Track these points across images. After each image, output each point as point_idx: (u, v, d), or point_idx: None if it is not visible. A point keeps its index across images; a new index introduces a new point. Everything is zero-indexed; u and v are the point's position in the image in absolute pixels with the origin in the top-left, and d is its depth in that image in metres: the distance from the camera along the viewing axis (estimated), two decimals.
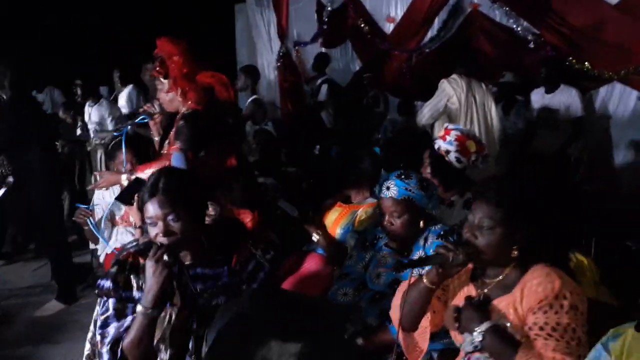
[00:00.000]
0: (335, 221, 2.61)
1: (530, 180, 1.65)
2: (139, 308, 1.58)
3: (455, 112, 3.81)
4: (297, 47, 7.19)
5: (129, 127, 2.74)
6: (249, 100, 4.89)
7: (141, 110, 2.77)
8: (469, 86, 3.82)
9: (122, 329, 1.63)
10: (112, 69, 5.68)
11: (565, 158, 4.20)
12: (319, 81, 5.63)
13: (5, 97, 3.48)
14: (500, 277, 1.48)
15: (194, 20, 8.12)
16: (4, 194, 4.02)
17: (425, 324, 1.58)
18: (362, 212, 2.54)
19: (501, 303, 1.43)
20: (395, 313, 1.61)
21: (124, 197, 2.43)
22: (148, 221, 1.63)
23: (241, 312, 1.55)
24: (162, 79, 2.49)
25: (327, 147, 4.26)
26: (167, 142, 2.61)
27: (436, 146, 2.54)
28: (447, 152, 2.49)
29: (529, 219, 1.43)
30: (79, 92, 5.16)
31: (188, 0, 8.50)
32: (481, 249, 1.44)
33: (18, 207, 3.84)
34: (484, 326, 1.38)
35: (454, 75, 3.89)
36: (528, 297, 1.38)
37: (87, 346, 1.85)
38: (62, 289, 3.62)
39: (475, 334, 1.38)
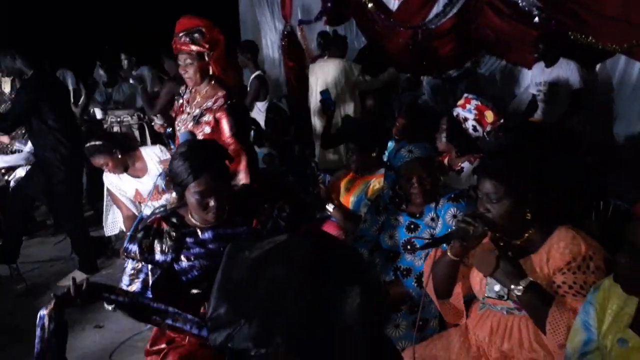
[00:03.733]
0: (350, 191, 2.72)
1: (531, 148, 1.75)
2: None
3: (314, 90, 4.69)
4: (301, 26, 7.22)
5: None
6: (252, 76, 4.94)
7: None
8: (322, 68, 4.73)
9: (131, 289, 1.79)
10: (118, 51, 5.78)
11: (565, 129, 4.28)
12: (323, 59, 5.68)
13: (27, 76, 3.58)
14: (522, 240, 1.60)
15: None
16: (26, 174, 4.12)
17: (458, 290, 1.71)
18: (375, 182, 2.65)
19: (526, 262, 1.55)
20: (428, 283, 1.73)
21: None
22: (197, 196, 1.74)
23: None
24: (205, 52, 2.60)
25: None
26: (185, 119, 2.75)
27: (455, 113, 2.64)
28: (465, 119, 2.59)
29: (533, 185, 1.54)
30: (101, 73, 5.24)
31: None
32: (495, 219, 1.55)
33: (36, 186, 3.93)
34: (525, 281, 1.48)
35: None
36: (555, 259, 1.51)
37: None
38: (83, 261, 3.77)
39: (517, 287, 1.48)
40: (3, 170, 4.47)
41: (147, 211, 3.20)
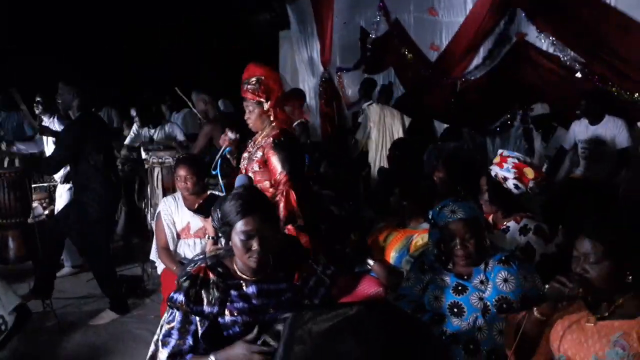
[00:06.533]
0: (390, 245, 2.65)
1: (621, 211, 1.71)
2: (211, 357, 1.69)
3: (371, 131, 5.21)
4: (339, 73, 7.36)
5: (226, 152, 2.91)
6: (295, 123, 5.08)
7: (222, 141, 2.91)
8: (382, 111, 5.32)
9: (183, 344, 1.72)
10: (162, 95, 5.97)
11: (613, 188, 4.16)
12: (365, 105, 5.75)
13: (73, 117, 3.70)
14: (617, 304, 1.53)
15: (238, 46, 8.42)
16: (61, 210, 4.17)
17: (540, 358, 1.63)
18: (418, 238, 2.57)
19: (623, 326, 1.48)
20: (509, 343, 1.66)
21: (204, 210, 2.60)
22: (241, 236, 1.72)
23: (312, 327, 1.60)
24: (262, 101, 2.66)
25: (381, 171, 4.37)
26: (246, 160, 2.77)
27: (493, 173, 2.56)
28: (505, 179, 2.51)
29: (633, 247, 1.49)
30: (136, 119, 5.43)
31: (233, 27, 8.83)
32: (594, 281, 1.50)
33: (70, 223, 3.91)
34: None
35: (372, 103, 5.50)
36: None
37: (152, 347, 1.91)
38: (113, 301, 3.75)
39: None
40: (44, 204, 4.57)
41: (182, 249, 3.21)
